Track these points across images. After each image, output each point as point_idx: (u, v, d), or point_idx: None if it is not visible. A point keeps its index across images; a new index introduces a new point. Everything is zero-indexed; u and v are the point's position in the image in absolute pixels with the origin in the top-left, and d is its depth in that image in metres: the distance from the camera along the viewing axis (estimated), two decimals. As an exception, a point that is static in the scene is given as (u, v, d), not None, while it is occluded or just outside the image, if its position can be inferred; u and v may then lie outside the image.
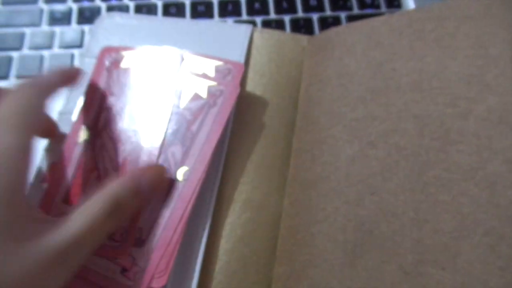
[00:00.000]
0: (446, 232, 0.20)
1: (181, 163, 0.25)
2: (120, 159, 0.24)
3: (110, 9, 0.35)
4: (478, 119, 0.20)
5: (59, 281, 0.18)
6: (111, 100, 0.25)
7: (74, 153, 0.24)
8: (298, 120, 0.28)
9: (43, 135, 0.25)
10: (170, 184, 0.25)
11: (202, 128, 0.26)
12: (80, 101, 0.27)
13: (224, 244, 0.26)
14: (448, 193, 0.20)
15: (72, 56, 0.33)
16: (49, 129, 0.25)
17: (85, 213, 0.19)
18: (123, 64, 0.27)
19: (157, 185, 0.24)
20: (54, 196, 0.24)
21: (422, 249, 0.20)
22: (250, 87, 0.29)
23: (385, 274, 0.21)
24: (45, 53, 0.33)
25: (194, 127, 0.26)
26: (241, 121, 0.28)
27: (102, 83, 0.27)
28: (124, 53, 0.27)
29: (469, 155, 0.20)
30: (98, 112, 0.26)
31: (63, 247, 0.17)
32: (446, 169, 0.21)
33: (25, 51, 0.33)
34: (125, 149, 0.25)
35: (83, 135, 0.25)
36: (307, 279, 0.23)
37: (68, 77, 0.23)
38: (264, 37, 0.30)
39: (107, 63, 0.27)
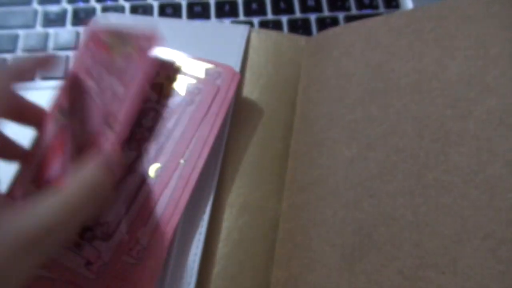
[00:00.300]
0: (446, 235, 0.19)
1: (154, 160, 0.25)
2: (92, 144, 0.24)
3: (105, 10, 0.35)
4: (478, 120, 0.20)
5: (24, 271, 0.17)
6: (91, 83, 0.25)
7: (47, 136, 0.24)
8: (296, 122, 0.28)
9: (30, 122, 0.24)
10: (141, 180, 0.24)
11: (177, 126, 0.25)
12: (59, 84, 0.26)
13: (222, 248, 0.26)
14: (448, 196, 0.20)
15: (67, 58, 0.33)
16: (39, 118, 0.24)
17: (59, 198, 0.18)
18: (106, 49, 0.26)
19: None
20: (25, 178, 0.23)
21: (421, 253, 0.20)
22: (247, 88, 0.28)
23: (384, 278, 0.20)
24: (40, 54, 0.32)
25: (169, 124, 0.25)
26: (238, 123, 0.28)
27: (84, 65, 0.26)
28: (110, 39, 0.26)
29: (468, 157, 0.20)
30: (76, 95, 0.25)
31: (31, 235, 0.17)
32: (445, 171, 0.20)
33: (19, 53, 0.32)
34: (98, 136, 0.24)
35: (58, 117, 0.24)
36: (305, 283, 0.23)
37: (43, 62, 0.22)
38: (262, 38, 0.30)
39: (91, 45, 0.26)
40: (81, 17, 0.34)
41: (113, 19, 0.30)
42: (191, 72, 0.27)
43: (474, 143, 0.20)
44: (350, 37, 0.27)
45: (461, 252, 0.19)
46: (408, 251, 0.20)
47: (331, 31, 0.29)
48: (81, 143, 0.22)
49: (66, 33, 0.34)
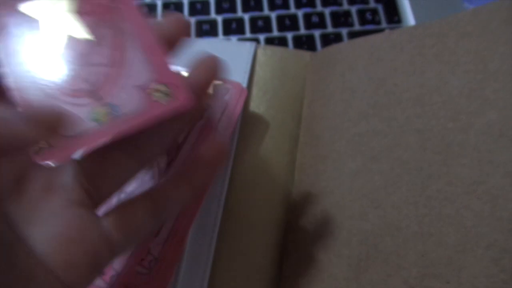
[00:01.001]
0: (450, 245, 0.20)
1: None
2: None
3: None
4: (479, 132, 0.21)
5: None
6: None
7: None
8: (301, 135, 0.29)
9: None
10: None
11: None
12: None
13: (223, 259, 0.27)
14: (451, 207, 0.20)
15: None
16: None
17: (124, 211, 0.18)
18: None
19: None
20: None
21: (426, 263, 0.20)
22: (254, 103, 0.29)
23: (390, 288, 0.21)
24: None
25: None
26: (246, 136, 0.28)
27: None
28: None
29: (470, 169, 0.20)
30: None
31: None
32: (448, 182, 0.21)
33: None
34: None
35: None
36: (312, 293, 0.23)
37: None
38: (268, 54, 0.31)
39: None
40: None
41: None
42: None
43: (476, 155, 0.20)
44: (354, 52, 0.28)
45: (464, 261, 0.19)
46: (413, 261, 0.21)
47: (335, 47, 0.30)
48: None
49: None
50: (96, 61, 0.19)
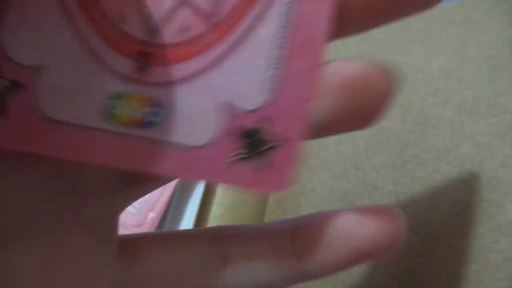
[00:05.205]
0: (420, 203, 0.23)
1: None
2: None
3: None
4: (454, 108, 0.23)
5: None
6: None
7: None
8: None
9: None
10: None
11: None
12: None
13: (215, 210, 0.28)
14: (423, 170, 0.23)
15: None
16: None
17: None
18: None
19: None
20: None
21: (398, 217, 0.23)
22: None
23: (363, 238, 0.23)
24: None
25: None
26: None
27: None
28: None
29: (443, 138, 0.23)
30: None
31: None
32: (423, 149, 0.24)
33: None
34: None
35: None
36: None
37: None
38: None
39: None
40: None
41: None
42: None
43: (450, 127, 0.23)
44: (347, 31, 0.30)
45: (431, 216, 0.22)
46: (386, 216, 0.23)
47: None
48: None
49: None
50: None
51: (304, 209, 0.26)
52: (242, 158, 0.11)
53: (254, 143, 0.11)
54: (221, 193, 0.28)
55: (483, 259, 0.20)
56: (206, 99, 0.11)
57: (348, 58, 0.12)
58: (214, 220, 0.28)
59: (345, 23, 0.12)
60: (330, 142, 0.27)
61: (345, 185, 0.25)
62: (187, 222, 0.27)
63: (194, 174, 0.11)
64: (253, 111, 0.11)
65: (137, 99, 0.11)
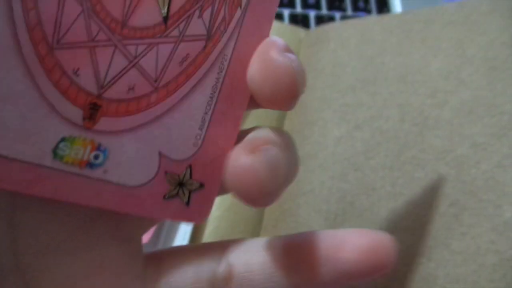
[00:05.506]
0: (418, 203, 0.23)
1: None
2: None
3: None
4: (453, 109, 0.23)
5: None
6: None
7: None
8: (291, 104, 0.31)
9: None
10: None
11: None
12: None
13: (215, 211, 0.28)
14: (422, 171, 0.23)
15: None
16: None
17: None
18: None
19: None
20: None
21: (396, 218, 0.23)
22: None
23: (362, 239, 0.23)
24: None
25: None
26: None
27: None
28: None
29: (442, 139, 0.23)
30: None
31: None
32: (422, 150, 0.24)
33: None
34: None
35: None
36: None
37: None
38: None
39: None
40: None
41: None
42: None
43: (448, 128, 0.23)
44: (347, 31, 0.30)
45: (429, 217, 0.22)
46: (384, 216, 0.23)
47: (329, 26, 0.32)
48: None
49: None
50: (146, 63, 0.12)
51: (303, 209, 0.26)
52: (170, 197, 0.13)
53: (180, 186, 0.13)
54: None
55: (480, 259, 0.20)
56: (143, 148, 0.13)
57: None
58: (214, 219, 0.28)
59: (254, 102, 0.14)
60: (329, 143, 0.27)
61: (344, 186, 0.25)
62: (184, 229, 0.27)
63: (130, 209, 0.13)
64: (181, 161, 0.13)
65: (82, 143, 0.12)
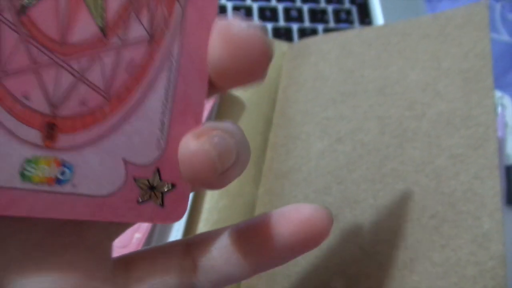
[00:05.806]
0: (400, 215, 0.23)
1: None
2: None
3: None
4: (430, 121, 0.24)
5: None
6: None
7: None
8: (275, 118, 0.31)
9: None
10: None
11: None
12: None
13: (202, 227, 0.28)
14: (402, 183, 0.23)
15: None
16: None
17: None
18: None
19: None
20: None
21: (378, 231, 0.23)
22: (233, 85, 0.31)
23: (346, 252, 0.23)
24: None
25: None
26: (223, 116, 0.30)
27: None
28: None
29: (421, 151, 0.23)
30: None
31: None
32: (402, 162, 0.24)
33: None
34: None
35: None
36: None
37: None
38: (248, 41, 0.33)
39: None
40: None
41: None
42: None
43: (426, 139, 0.23)
44: (327, 45, 0.31)
45: (411, 229, 0.22)
46: (367, 229, 0.23)
47: (310, 39, 0.32)
48: None
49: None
50: (94, 77, 0.12)
51: (288, 224, 0.27)
52: (143, 202, 0.14)
53: (151, 190, 0.14)
54: (207, 211, 0.29)
55: (461, 271, 0.20)
56: (106, 158, 0.13)
57: None
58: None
59: (213, 88, 0.14)
60: (312, 156, 0.27)
61: (328, 199, 0.26)
62: (177, 227, 0.27)
63: (106, 217, 0.13)
64: (148, 165, 0.13)
65: (46, 162, 0.12)
